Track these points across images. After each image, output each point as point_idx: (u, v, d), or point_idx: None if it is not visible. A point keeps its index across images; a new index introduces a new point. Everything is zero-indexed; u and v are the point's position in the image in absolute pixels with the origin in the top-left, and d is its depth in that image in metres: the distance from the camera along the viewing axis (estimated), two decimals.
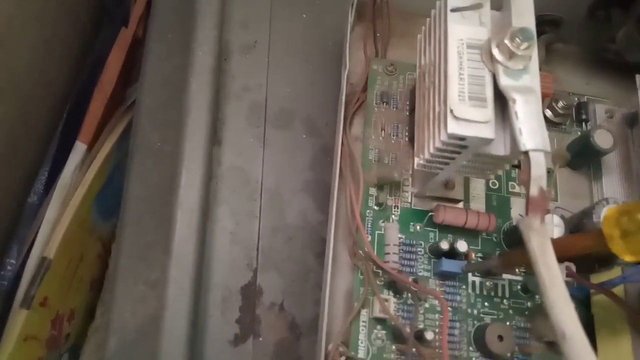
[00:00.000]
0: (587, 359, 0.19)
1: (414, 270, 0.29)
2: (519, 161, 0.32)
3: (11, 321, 0.34)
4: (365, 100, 0.33)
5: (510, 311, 0.29)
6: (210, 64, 0.37)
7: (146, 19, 0.44)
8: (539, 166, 0.22)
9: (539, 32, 0.24)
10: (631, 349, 0.27)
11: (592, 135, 0.31)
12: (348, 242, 0.29)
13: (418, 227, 0.30)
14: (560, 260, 0.21)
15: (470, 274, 0.30)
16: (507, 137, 0.24)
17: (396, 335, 0.28)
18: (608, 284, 0.27)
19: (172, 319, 0.31)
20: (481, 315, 0.29)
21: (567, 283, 0.21)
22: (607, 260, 0.30)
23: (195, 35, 0.38)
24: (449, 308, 0.29)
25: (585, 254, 0.28)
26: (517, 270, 0.30)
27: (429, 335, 0.26)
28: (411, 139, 0.32)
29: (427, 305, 0.29)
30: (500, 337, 0.27)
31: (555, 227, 0.30)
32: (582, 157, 0.33)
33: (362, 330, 0.28)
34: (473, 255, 0.30)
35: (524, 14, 0.24)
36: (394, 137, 0.32)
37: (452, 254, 0.29)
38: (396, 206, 0.31)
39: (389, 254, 0.28)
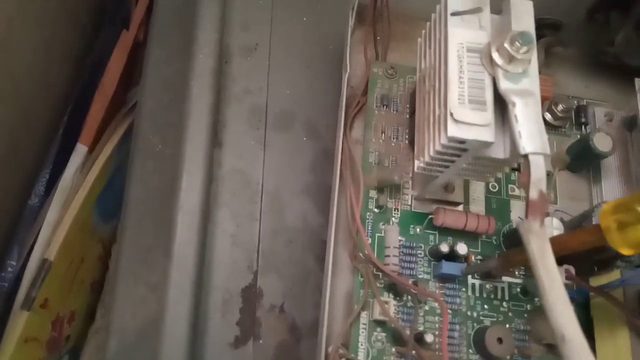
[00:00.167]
0: None
1: (414, 272, 0.29)
2: (519, 164, 0.32)
3: (12, 323, 0.34)
4: (365, 103, 0.33)
5: (510, 314, 0.29)
6: (211, 67, 0.37)
7: (147, 22, 0.44)
8: (538, 169, 0.22)
9: (539, 36, 0.24)
10: (630, 352, 0.27)
11: (592, 139, 0.31)
12: (348, 245, 0.30)
13: (418, 230, 0.30)
14: (560, 256, 0.21)
15: (470, 277, 0.30)
16: (506, 140, 0.24)
17: (396, 338, 0.28)
18: (607, 286, 0.27)
19: (173, 321, 0.31)
20: (481, 317, 0.29)
21: (566, 286, 0.21)
22: (606, 262, 0.30)
23: (196, 38, 0.38)
24: (448, 310, 0.29)
25: (584, 255, 0.29)
26: (516, 272, 0.30)
27: (429, 338, 0.26)
28: (411, 142, 0.32)
29: (427, 307, 0.29)
30: (500, 340, 0.27)
31: (554, 230, 0.30)
32: (581, 160, 0.33)
33: (362, 332, 0.28)
34: (473, 258, 0.30)
35: (524, 18, 0.25)
36: (394, 140, 0.32)
37: (452, 256, 0.29)
38: (396, 209, 0.31)
39: (389, 256, 0.28)
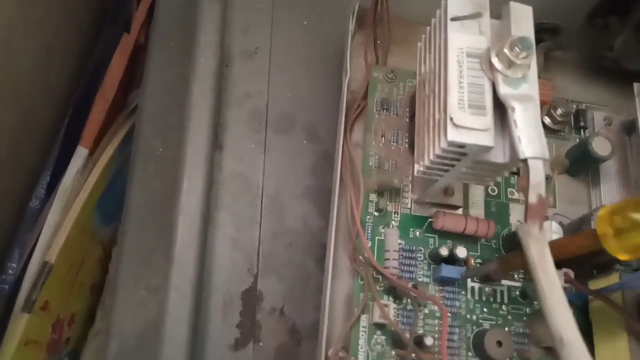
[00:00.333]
0: None
1: (414, 275, 0.30)
2: (518, 168, 0.32)
3: (12, 325, 0.34)
4: (365, 106, 0.33)
5: (509, 317, 0.30)
6: (211, 70, 0.37)
7: (148, 25, 0.44)
8: (537, 173, 0.22)
9: (538, 40, 0.25)
10: (629, 355, 0.27)
11: (591, 143, 0.32)
12: (348, 248, 0.30)
13: (418, 233, 0.31)
14: (557, 260, 0.21)
15: (469, 280, 0.30)
16: (506, 145, 0.24)
17: (396, 341, 0.28)
18: (606, 290, 0.28)
19: (173, 323, 0.31)
20: (480, 320, 0.29)
21: (565, 289, 0.21)
22: (605, 266, 0.30)
23: (196, 41, 0.38)
24: (448, 314, 0.29)
25: (583, 259, 0.29)
26: (515, 276, 0.30)
27: (429, 341, 0.27)
28: (411, 146, 0.32)
29: (426, 310, 0.29)
30: (499, 343, 0.27)
31: (553, 233, 0.30)
32: (580, 164, 0.33)
33: (362, 335, 0.28)
34: (472, 261, 0.30)
35: (523, 23, 0.25)
36: (394, 144, 0.32)
37: (452, 259, 0.29)
38: (396, 212, 0.31)
39: (388, 259, 0.29)
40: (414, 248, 0.30)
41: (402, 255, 0.29)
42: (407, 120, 0.33)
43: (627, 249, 0.21)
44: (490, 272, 0.28)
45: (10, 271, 0.38)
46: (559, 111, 0.35)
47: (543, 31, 0.36)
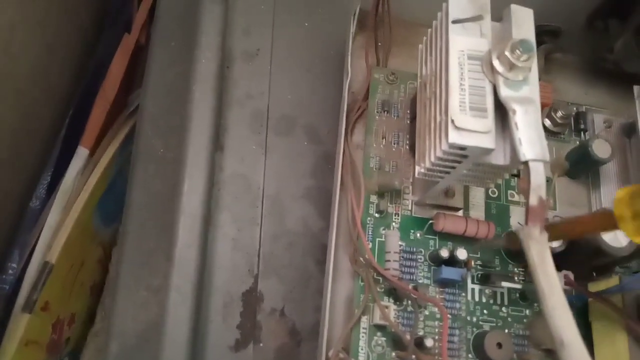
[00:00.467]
0: None
1: (414, 277, 0.30)
2: (519, 170, 0.32)
3: (12, 325, 0.34)
4: (366, 108, 0.33)
5: (509, 319, 0.30)
6: (212, 71, 0.37)
7: (149, 26, 0.44)
8: (538, 176, 0.22)
9: (538, 42, 0.25)
10: (628, 357, 0.27)
11: (591, 145, 0.32)
12: (349, 249, 0.30)
13: (418, 235, 0.31)
14: (559, 261, 0.21)
15: (469, 282, 0.30)
16: (507, 147, 0.24)
17: (396, 342, 0.28)
18: (606, 292, 0.28)
19: (173, 324, 0.31)
20: (480, 322, 0.29)
21: (565, 291, 0.22)
22: (605, 268, 0.30)
23: (198, 42, 0.38)
24: (448, 315, 0.29)
25: (583, 261, 0.29)
26: (515, 278, 0.30)
27: (429, 342, 0.27)
28: (412, 147, 0.32)
29: (427, 312, 0.29)
30: (499, 345, 0.27)
31: None
32: (580, 167, 0.33)
33: (363, 336, 0.28)
34: (472, 263, 0.30)
35: (524, 26, 0.25)
36: (395, 145, 0.32)
37: (452, 261, 0.29)
38: (397, 214, 0.31)
39: (389, 261, 0.29)
40: (414, 249, 0.30)
41: (402, 257, 0.30)
42: (408, 122, 0.33)
43: None
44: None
45: (10, 271, 0.38)
46: (560, 113, 0.35)
47: (544, 34, 0.36)
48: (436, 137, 0.25)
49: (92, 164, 0.41)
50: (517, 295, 0.30)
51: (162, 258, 0.32)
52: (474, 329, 0.29)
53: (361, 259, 0.29)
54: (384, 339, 0.28)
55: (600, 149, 0.32)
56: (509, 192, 0.33)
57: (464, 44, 0.25)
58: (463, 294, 0.30)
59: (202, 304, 0.32)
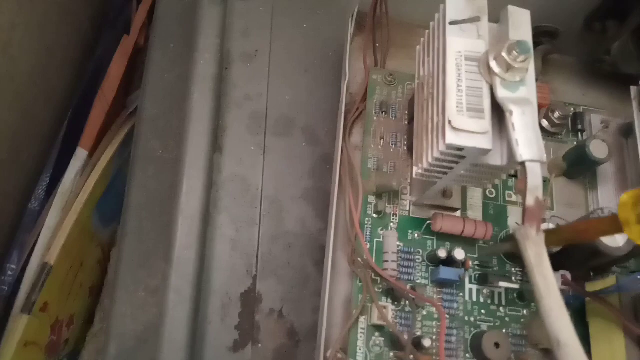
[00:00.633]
0: None
1: (412, 277, 0.30)
2: (516, 171, 0.33)
3: (11, 326, 0.35)
4: (364, 109, 0.33)
5: (507, 319, 0.30)
6: (211, 73, 0.37)
7: (148, 28, 0.45)
8: (535, 176, 0.22)
9: (536, 43, 0.25)
10: (625, 357, 0.27)
11: (588, 146, 0.32)
12: (347, 250, 0.30)
13: (416, 235, 0.31)
14: (557, 260, 0.21)
15: (467, 282, 0.30)
16: (504, 148, 0.24)
17: (394, 342, 0.28)
18: (603, 292, 0.28)
19: (172, 325, 0.31)
20: (478, 322, 0.29)
21: (562, 291, 0.22)
22: (602, 268, 0.30)
23: (196, 44, 0.38)
24: (446, 315, 0.29)
25: (580, 261, 0.29)
26: (513, 278, 0.30)
27: (427, 343, 0.27)
28: (410, 148, 0.32)
29: (424, 312, 0.29)
30: (497, 345, 0.27)
31: None
32: (578, 167, 0.33)
33: (361, 337, 0.28)
34: (470, 264, 0.30)
35: (521, 27, 0.25)
36: (393, 146, 0.32)
37: (450, 261, 0.29)
38: (395, 214, 0.31)
39: (387, 261, 0.29)
40: (412, 250, 0.30)
41: (400, 257, 0.30)
42: (406, 123, 0.33)
43: None
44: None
45: (9, 272, 0.38)
46: (557, 114, 0.35)
47: (541, 34, 0.36)
48: (434, 138, 0.25)
49: (91, 165, 0.41)
50: (515, 295, 0.30)
51: (161, 259, 0.32)
52: (472, 329, 0.29)
53: (359, 259, 0.29)
54: (382, 339, 0.28)
55: (598, 149, 0.32)
56: (507, 192, 0.33)
57: (462, 45, 0.25)
58: (461, 294, 0.30)
59: (201, 304, 0.32)
